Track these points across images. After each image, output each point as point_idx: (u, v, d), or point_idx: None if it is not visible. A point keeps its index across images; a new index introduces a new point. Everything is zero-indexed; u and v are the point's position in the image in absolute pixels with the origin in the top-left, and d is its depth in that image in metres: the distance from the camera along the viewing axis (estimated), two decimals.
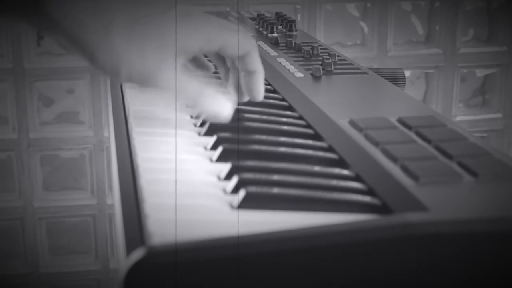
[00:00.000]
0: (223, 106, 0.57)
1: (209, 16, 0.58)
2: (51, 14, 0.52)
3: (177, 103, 0.57)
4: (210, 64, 0.67)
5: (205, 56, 0.67)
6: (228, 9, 1.34)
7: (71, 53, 0.55)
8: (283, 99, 0.65)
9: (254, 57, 0.59)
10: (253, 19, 1.02)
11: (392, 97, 0.65)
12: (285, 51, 0.81)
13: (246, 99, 0.61)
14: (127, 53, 0.53)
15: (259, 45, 0.84)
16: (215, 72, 0.67)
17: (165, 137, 0.56)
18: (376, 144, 0.50)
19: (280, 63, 0.75)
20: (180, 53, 0.55)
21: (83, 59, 0.54)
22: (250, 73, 0.59)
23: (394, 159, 0.47)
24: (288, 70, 0.72)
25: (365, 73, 0.72)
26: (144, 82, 0.54)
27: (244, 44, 0.58)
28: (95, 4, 0.53)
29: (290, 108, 0.63)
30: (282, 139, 0.54)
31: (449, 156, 0.48)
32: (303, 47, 0.79)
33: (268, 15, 1.02)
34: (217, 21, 0.58)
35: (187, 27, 0.56)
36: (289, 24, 0.93)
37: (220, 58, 0.62)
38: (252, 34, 0.61)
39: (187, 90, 0.56)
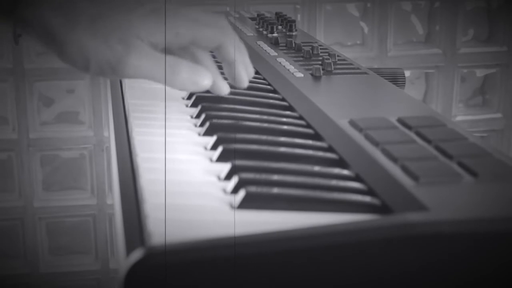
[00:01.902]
0: (201, 74, 0.57)
1: (179, 10, 0.58)
2: (23, 13, 0.56)
3: (156, 83, 0.57)
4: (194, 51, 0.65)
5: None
6: (228, 9, 1.34)
7: (47, 51, 0.58)
8: (283, 99, 0.65)
9: (228, 48, 0.59)
10: (253, 19, 1.02)
11: (392, 97, 0.65)
12: (285, 51, 0.81)
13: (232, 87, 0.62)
14: (94, 46, 0.55)
15: (259, 45, 0.84)
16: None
17: (165, 137, 0.56)
18: (376, 144, 0.50)
19: (280, 63, 0.75)
20: (148, 46, 0.56)
21: (55, 56, 0.57)
22: (229, 64, 0.60)
23: (394, 159, 0.47)
24: (288, 70, 0.72)
25: (365, 73, 0.72)
26: (114, 71, 0.55)
27: (215, 36, 0.58)
28: (62, 5, 0.56)
29: (290, 108, 0.63)
30: (282, 139, 0.54)
31: (449, 156, 0.48)
32: (303, 47, 0.79)
33: (268, 15, 1.02)
34: (187, 15, 0.58)
35: (155, 22, 0.56)
36: (289, 24, 0.93)
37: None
38: (226, 22, 0.60)
39: (160, 66, 0.56)
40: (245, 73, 0.61)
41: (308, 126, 0.58)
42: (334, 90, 0.67)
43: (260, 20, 0.96)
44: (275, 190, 0.45)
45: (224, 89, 0.61)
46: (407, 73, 1.30)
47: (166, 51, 0.58)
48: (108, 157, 1.36)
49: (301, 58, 0.77)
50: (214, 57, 0.64)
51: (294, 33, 0.92)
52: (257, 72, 0.74)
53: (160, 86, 0.58)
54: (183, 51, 0.62)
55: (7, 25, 0.58)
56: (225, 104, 0.62)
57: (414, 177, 0.44)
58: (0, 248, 1.39)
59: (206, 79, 0.57)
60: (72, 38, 0.55)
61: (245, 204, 0.44)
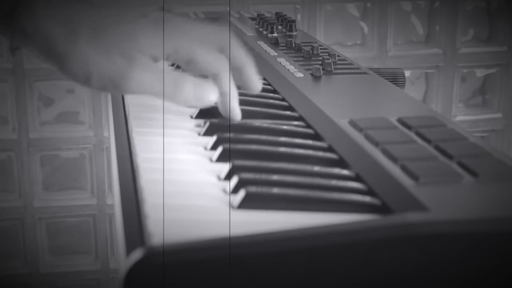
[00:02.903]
0: (207, 88, 0.55)
1: (187, 25, 0.56)
2: (23, 26, 0.54)
3: (160, 99, 0.55)
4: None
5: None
6: (228, 9, 1.34)
7: (47, 64, 0.56)
8: (283, 99, 0.65)
9: (224, 79, 0.57)
10: (253, 19, 1.02)
11: (392, 97, 0.65)
12: (285, 51, 0.81)
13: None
14: (95, 60, 0.53)
15: (259, 45, 0.84)
16: None
17: (165, 137, 0.56)
18: (376, 144, 0.50)
19: (280, 63, 0.75)
20: (150, 59, 0.55)
21: (56, 69, 0.55)
22: (222, 95, 0.57)
23: (394, 159, 0.47)
24: (288, 70, 0.72)
25: (365, 73, 0.72)
26: (116, 86, 0.54)
27: (213, 64, 0.56)
28: (63, 16, 0.54)
29: (290, 108, 0.63)
30: (282, 139, 0.54)
31: (449, 156, 0.48)
32: (303, 47, 0.79)
33: (268, 15, 1.02)
34: (191, 33, 0.56)
35: (156, 34, 0.55)
36: (289, 24, 0.93)
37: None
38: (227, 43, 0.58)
39: (165, 80, 0.54)
40: (238, 106, 0.58)
41: (308, 126, 0.58)
42: (334, 90, 0.67)
43: (260, 20, 0.96)
44: (275, 190, 0.45)
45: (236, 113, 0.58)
46: (407, 73, 1.30)
47: (171, 64, 0.57)
48: (108, 157, 1.36)
49: (301, 58, 0.77)
50: None
51: (294, 33, 0.92)
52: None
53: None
54: (187, 64, 0.61)
55: (4, 36, 0.57)
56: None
57: (414, 177, 0.44)
58: (0, 248, 1.39)
59: (211, 94, 0.55)
60: (73, 52, 0.54)
61: (245, 204, 0.44)
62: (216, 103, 0.57)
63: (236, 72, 0.58)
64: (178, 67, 0.64)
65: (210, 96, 0.56)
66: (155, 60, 0.56)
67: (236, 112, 0.58)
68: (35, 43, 0.55)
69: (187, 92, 0.55)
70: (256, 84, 0.60)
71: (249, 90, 0.60)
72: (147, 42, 0.54)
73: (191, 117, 0.61)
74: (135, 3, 0.58)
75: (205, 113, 0.60)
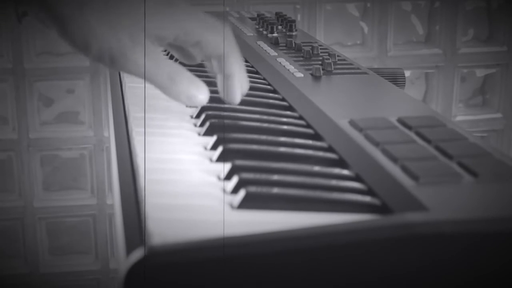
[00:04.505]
0: (200, 89, 0.55)
1: (194, 9, 0.56)
2: None
3: (152, 87, 0.55)
4: (195, 56, 0.63)
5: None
6: (228, 9, 1.34)
7: (47, 27, 0.55)
8: (283, 99, 0.65)
9: (231, 60, 0.57)
10: (253, 19, 1.02)
11: (392, 97, 0.65)
12: (285, 51, 0.81)
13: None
14: (99, 30, 0.52)
15: (259, 45, 0.84)
16: (201, 65, 0.65)
17: (165, 137, 0.56)
18: (376, 144, 0.50)
19: (280, 63, 0.75)
20: (154, 39, 0.55)
21: (55, 33, 0.53)
22: (226, 76, 0.58)
23: (394, 159, 0.47)
24: (288, 70, 0.72)
25: (365, 73, 0.72)
26: (114, 62, 0.53)
27: (221, 44, 0.57)
28: None
29: (290, 108, 0.63)
30: (282, 139, 0.54)
31: (449, 156, 0.48)
32: (303, 47, 0.79)
33: (268, 15, 1.02)
34: (200, 16, 0.57)
35: (167, 14, 0.55)
36: (289, 24, 0.93)
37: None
38: (232, 34, 0.58)
39: (161, 71, 0.54)
40: (240, 90, 0.59)
41: (308, 126, 0.58)
42: (334, 90, 0.67)
43: (260, 20, 0.96)
44: (275, 190, 0.45)
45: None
46: (407, 73, 1.30)
47: (174, 45, 0.57)
48: (108, 157, 1.36)
49: (301, 58, 0.77)
50: (201, 66, 0.63)
51: (294, 33, 0.92)
52: (257, 72, 0.74)
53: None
54: (185, 55, 0.61)
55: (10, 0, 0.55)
56: (225, 104, 0.62)
57: (414, 177, 0.44)
58: (0, 248, 1.39)
59: (202, 94, 0.55)
60: (78, 17, 0.52)
61: (245, 204, 0.44)
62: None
63: (225, 78, 0.58)
64: (176, 59, 0.64)
65: (200, 96, 0.55)
66: (160, 41, 0.55)
67: (236, 96, 0.58)
68: (41, 5, 0.53)
69: (181, 88, 0.55)
70: (235, 97, 0.59)
71: (226, 99, 0.59)
72: (154, 22, 0.54)
73: (191, 116, 0.61)
74: None
75: (213, 129, 0.58)
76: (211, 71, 0.61)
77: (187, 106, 0.61)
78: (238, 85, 0.58)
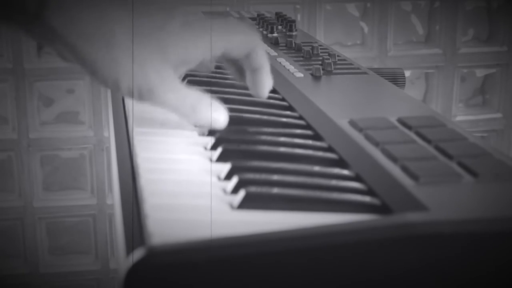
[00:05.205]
0: (219, 112, 0.56)
1: (209, 22, 0.57)
2: (52, 22, 0.51)
3: (177, 115, 0.56)
4: (209, 64, 0.64)
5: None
6: (228, 9, 1.34)
7: (72, 64, 0.55)
8: (283, 99, 0.65)
9: (259, 53, 0.58)
10: (253, 19, 1.02)
11: (392, 97, 0.65)
12: (285, 51, 0.81)
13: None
14: (128, 67, 0.53)
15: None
16: (217, 72, 0.66)
17: (165, 137, 0.56)
18: (376, 144, 0.50)
19: (280, 63, 0.75)
20: (183, 65, 0.56)
21: (83, 70, 0.54)
22: (256, 70, 0.59)
23: (394, 159, 0.47)
24: (288, 70, 0.72)
25: (365, 73, 0.72)
26: (144, 96, 0.54)
27: (247, 42, 0.58)
28: (98, 15, 0.53)
29: (290, 108, 0.63)
30: (282, 139, 0.54)
31: (449, 156, 0.48)
32: (303, 47, 0.79)
33: (268, 15, 1.02)
34: (218, 26, 0.57)
35: (188, 38, 0.55)
36: (289, 24, 0.93)
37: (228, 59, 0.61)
38: (255, 29, 0.59)
39: (184, 102, 0.55)
40: (268, 84, 0.60)
41: (308, 126, 0.58)
42: (334, 90, 0.67)
43: (260, 20, 0.96)
44: (275, 190, 0.45)
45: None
46: (407, 73, 1.30)
47: (200, 65, 0.58)
48: (108, 157, 1.36)
49: (301, 58, 0.77)
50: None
51: (294, 33, 0.92)
52: None
53: None
54: (200, 65, 0.61)
55: (31, 35, 0.54)
56: (225, 104, 0.62)
57: (414, 177, 0.44)
58: (0, 248, 1.39)
59: (222, 116, 0.56)
60: (106, 56, 0.52)
61: (245, 204, 0.44)
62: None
63: (252, 73, 0.59)
64: (194, 83, 0.65)
65: (221, 120, 0.56)
66: (189, 64, 0.57)
67: (265, 89, 0.59)
68: (64, 41, 0.52)
69: (202, 115, 0.56)
70: (265, 90, 0.60)
71: (256, 93, 0.60)
72: (179, 46, 0.55)
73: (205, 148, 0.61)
74: (160, 1, 0.58)
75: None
76: (231, 72, 0.62)
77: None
78: (267, 78, 0.59)
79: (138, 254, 0.36)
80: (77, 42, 0.52)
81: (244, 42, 0.58)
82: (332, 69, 0.72)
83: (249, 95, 0.62)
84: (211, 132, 0.58)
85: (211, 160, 0.51)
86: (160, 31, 0.55)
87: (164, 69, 0.54)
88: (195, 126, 0.58)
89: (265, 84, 0.60)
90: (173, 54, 0.55)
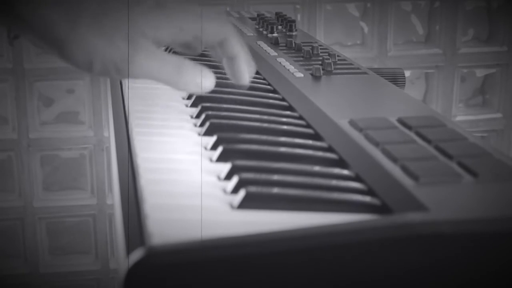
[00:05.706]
0: (206, 74, 0.56)
1: (182, 5, 0.57)
2: (20, 12, 0.52)
3: (160, 84, 0.56)
4: (197, 47, 0.63)
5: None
6: (228, 9, 1.34)
7: (46, 52, 0.55)
8: (283, 99, 0.65)
9: (232, 42, 0.58)
10: (253, 19, 1.02)
11: (392, 97, 0.65)
12: (285, 51, 0.81)
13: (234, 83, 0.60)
14: (98, 46, 0.53)
15: (259, 45, 0.84)
16: (204, 55, 0.65)
17: (165, 137, 0.56)
18: (376, 144, 0.50)
19: (280, 63, 0.75)
20: (153, 44, 0.55)
21: (56, 56, 0.54)
22: (231, 59, 0.59)
23: (394, 159, 0.47)
24: (288, 70, 0.72)
25: (365, 73, 0.72)
26: (120, 71, 0.53)
27: (220, 30, 0.57)
28: (62, 1, 0.53)
29: (290, 108, 0.63)
30: (282, 139, 0.54)
31: (449, 156, 0.48)
32: (303, 47, 0.79)
33: (268, 15, 1.02)
34: (190, 10, 0.57)
35: (159, 18, 0.55)
36: (289, 24, 0.93)
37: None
38: (227, 18, 0.59)
39: (166, 67, 0.54)
40: (247, 70, 0.60)
41: (308, 126, 0.58)
42: (334, 90, 0.67)
43: (260, 20, 0.96)
44: (275, 190, 0.45)
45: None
46: (407, 73, 1.30)
47: (171, 47, 0.57)
48: (108, 157, 1.36)
49: (301, 58, 0.77)
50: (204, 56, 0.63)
51: (294, 33, 0.92)
52: (257, 72, 0.74)
53: (160, 86, 0.58)
54: (187, 47, 0.61)
55: (2, 25, 0.55)
56: (225, 104, 0.62)
57: (414, 177, 0.44)
58: (0, 248, 1.39)
59: (209, 79, 0.56)
60: (75, 38, 0.53)
61: (245, 204, 0.44)
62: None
63: (229, 61, 0.59)
64: (174, 52, 0.65)
65: (207, 82, 0.56)
66: (159, 43, 0.56)
67: (244, 76, 0.59)
68: (34, 30, 0.53)
69: (188, 78, 0.55)
70: (244, 77, 0.60)
71: (236, 81, 0.60)
72: (150, 25, 0.54)
73: (191, 116, 0.61)
74: None
75: (200, 99, 0.62)
76: (217, 58, 0.61)
77: (195, 94, 0.62)
78: (244, 65, 0.59)
79: (138, 254, 0.36)
80: (45, 29, 0.53)
81: (217, 28, 0.57)
82: (332, 69, 0.72)
83: (249, 95, 0.62)
84: (198, 98, 0.58)
85: (211, 160, 0.51)
86: (131, 9, 0.54)
87: (136, 37, 0.53)
88: (182, 90, 0.57)
89: (243, 72, 0.59)
90: (145, 29, 0.54)
